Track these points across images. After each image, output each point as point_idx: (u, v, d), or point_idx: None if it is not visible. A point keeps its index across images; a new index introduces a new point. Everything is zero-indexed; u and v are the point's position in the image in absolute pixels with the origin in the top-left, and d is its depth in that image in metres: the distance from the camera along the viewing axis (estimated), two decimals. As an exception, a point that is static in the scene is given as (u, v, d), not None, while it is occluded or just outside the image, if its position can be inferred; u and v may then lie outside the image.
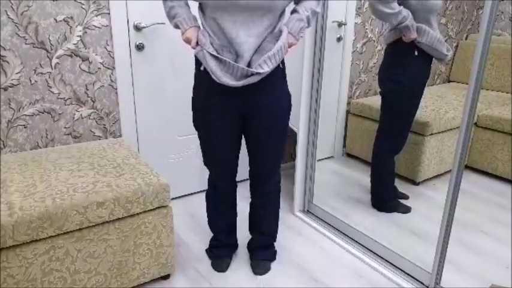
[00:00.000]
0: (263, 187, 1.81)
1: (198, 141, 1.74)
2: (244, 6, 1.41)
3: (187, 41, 1.52)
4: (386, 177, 2.37)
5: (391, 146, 2.27)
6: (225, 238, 1.95)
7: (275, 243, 2.00)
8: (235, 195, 1.88)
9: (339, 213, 2.29)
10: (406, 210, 2.38)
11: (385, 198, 2.40)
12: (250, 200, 1.89)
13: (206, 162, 1.77)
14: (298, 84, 2.15)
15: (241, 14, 1.42)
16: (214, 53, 1.45)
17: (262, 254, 1.93)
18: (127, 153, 1.88)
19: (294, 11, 1.57)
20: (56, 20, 1.87)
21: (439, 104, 2.81)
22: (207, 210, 1.91)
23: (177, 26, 1.54)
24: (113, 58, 2.06)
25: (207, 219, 1.93)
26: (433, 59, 2.09)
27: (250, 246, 1.98)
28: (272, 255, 1.96)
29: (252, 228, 1.94)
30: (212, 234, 1.97)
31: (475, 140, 2.89)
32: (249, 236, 1.98)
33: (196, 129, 1.70)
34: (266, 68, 1.47)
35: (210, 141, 1.68)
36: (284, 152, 1.77)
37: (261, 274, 1.88)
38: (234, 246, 2.01)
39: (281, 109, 1.63)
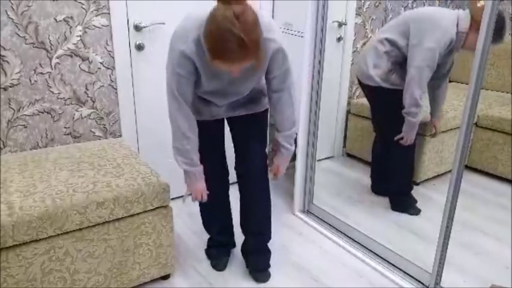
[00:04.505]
0: (250, 185, 1.77)
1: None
2: (234, 93, 1.58)
3: (194, 192, 1.65)
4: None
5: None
6: (222, 238, 1.94)
7: (271, 244, 1.92)
8: (228, 196, 1.88)
9: (339, 213, 2.29)
10: (416, 212, 2.38)
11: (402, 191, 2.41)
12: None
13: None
14: (297, 85, 2.14)
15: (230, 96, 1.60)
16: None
17: (261, 263, 1.87)
18: (127, 153, 1.88)
19: (282, 146, 1.68)
20: (56, 19, 1.87)
21: (439, 104, 2.80)
22: (201, 213, 1.91)
23: (184, 169, 1.61)
24: (113, 58, 2.06)
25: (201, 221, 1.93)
26: None
27: (245, 249, 1.91)
28: (268, 260, 1.89)
29: (244, 229, 1.88)
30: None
31: (475, 140, 2.89)
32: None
33: None
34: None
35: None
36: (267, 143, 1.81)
37: (264, 281, 1.84)
38: (232, 245, 2.00)
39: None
